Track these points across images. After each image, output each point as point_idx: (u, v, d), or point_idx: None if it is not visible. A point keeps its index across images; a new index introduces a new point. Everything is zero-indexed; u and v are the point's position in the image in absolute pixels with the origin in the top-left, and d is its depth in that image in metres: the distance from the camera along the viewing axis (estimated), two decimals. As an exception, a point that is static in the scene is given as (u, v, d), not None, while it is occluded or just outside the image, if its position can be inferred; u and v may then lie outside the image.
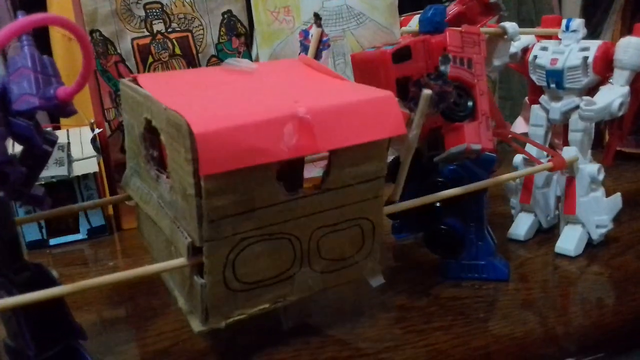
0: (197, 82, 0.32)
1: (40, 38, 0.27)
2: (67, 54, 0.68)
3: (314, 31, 0.37)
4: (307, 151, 0.27)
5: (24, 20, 0.21)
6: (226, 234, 0.26)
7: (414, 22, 0.46)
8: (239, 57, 0.54)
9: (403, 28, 0.48)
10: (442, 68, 0.33)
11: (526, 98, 0.46)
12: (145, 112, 0.29)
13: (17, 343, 0.28)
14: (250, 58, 0.55)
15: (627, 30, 0.40)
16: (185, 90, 0.30)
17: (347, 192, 0.29)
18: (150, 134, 0.30)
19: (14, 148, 0.28)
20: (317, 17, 0.38)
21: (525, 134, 0.44)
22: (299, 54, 0.38)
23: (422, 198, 0.34)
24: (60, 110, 0.27)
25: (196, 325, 0.28)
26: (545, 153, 0.42)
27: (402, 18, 0.51)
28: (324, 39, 0.38)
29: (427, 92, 0.30)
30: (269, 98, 0.29)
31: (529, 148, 0.42)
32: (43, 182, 0.46)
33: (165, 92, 0.29)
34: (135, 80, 0.31)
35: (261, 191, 0.26)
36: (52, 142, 0.28)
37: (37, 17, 0.21)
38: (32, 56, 0.26)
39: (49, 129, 0.30)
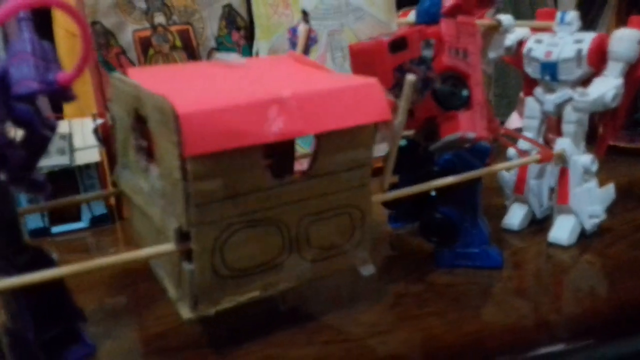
0: (185, 74, 0.33)
1: (44, 34, 0.28)
2: (70, 50, 0.68)
3: (301, 28, 0.38)
4: (292, 134, 0.27)
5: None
6: (213, 219, 0.27)
7: (412, 16, 0.47)
8: (239, 50, 0.55)
9: (400, 19, 0.48)
10: (424, 53, 0.33)
11: (521, 93, 0.46)
12: (133, 102, 0.30)
13: (17, 325, 0.29)
14: (250, 51, 0.55)
15: (622, 25, 0.41)
16: (174, 80, 0.31)
17: (334, 179, 0.29)
18: (139, 124, 0.31)
19: (16, 133, 0.29)
20: (304, 14, 0.39)
21: (520, 129, 0.45)
22: (288, 51, 0.39)
23: (413, 187, 0.34)
24: (60, 95, 0.27)
25: (185, 312, 0.28)
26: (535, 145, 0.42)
27: (401, 12, 0.52)
28: (312, 35, 0.39)
29: (410, 77, 0.30)
30: (255, 86, 0.30)
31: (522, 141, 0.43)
32: (45, 171, 0.47)
33: (153, 82, 0.29)
34: (125, 74, 0.32)
35: (248, 176, 0.27)
36: (52, 127, 0.29)
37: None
38: (32, 41, 0.26)
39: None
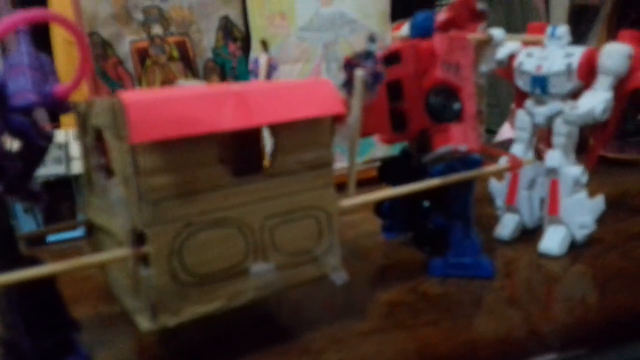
0: (145, 90, 0.34)
1: (42, 42, 0.28)
2: (68, 59, 0.69)
3: (262, 58, 0.39)
4: (243, 123, 0.27)
5: (21, 15, 0.22)
6: (169, 218, 0.26)
7: (405, 29, 0.48)
8: (234, 61, 0.55)
9: (394, 33, 0.49)
10: (369, 47, 0.32)
11: (513, 104, 0.47)
12: (92, 119, 0.30)
13: (11, 335, 0.29)
14: (246, 62, 0.56)
15: (612, 39, 0.41)
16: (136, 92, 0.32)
17: (295, 178, 0.29)
18: (98, 142, 0.31)
19: (12, 144, 0.29)
20: (264, 44, 0.40)
21: (511, 140, 0.45)
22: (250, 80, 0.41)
23: (383, 191, 0.34)
24: (57, 107, 0.27)
25: (144, 324, 0.27)
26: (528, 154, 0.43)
27: (395, 25, 0.52)
28: (272, 63, 0.40)
29: (359, 72, 0.30)
30: (209, 89, 0.30)
31: (516, 149, 0.44)
32: (41, 180, 0.47)
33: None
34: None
35: (203, 172, 0.26)
36: (49, 138, 0.29)
37: (34, 12, 0.22)
38: (29, 53, 0.27)
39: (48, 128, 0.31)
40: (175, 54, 0.53)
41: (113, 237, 0.30)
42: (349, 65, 0.31)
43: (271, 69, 0.39)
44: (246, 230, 0.28)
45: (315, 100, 0.29)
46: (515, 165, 0.40)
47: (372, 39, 0.32)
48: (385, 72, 0.32)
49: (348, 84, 0.31)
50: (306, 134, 0.29)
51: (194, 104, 0.25)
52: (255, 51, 0.38)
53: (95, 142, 0.31)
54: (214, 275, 0.28)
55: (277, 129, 0.29)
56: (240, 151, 0.33)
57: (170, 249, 0.26)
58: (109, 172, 0.30)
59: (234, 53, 0.55)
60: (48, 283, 0.29)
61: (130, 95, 0.25)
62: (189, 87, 0.34)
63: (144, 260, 0.26)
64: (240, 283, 0.29)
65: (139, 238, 0.26)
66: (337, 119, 0.31)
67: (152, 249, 0.26)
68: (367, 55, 0.32)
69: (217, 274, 0.28)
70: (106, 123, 0.27)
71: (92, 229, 0.35)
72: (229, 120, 0.26)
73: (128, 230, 0.26)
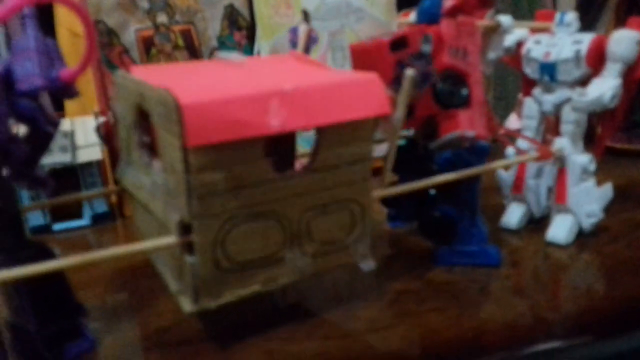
0: (188, 72, 0.34)
1: (46, 34, 0.28)
2: (73, 50, 0.69)
3: (302, 28, 0.38)
4: (294, 126, 0.27)
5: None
6: (215, 211, 0.27)
7: (413, 17, 0.47)
8: (240, 49, 0.55)
9: (403, 20, 0.49)
10: (423, 48, 0.33)
11: (519, 95, 0.47)
12: (136, 98, 0.30)
13: (19, 318, 0.29)
14: (251, 51, 0.56)
15: (622, 27, 0.41)
16: (176, 77, 0.31)
17: (335, 173, 0.30)
18: (142, 120, 0.31)
19: (18, 129, 0.29)
20: (305, 14, 0.39)
21: (519, 130, 0.45)
22: (289, 50, 0.40)
23: (413, 183, 0.34)
24: (63, 91, 0.27)
25: (187, 306, 0.28)
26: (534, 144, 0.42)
27: (402, 13, 0.52)
28: (312, 35, 0.39)
29: (410, 72, 0.30)
30: (256, 81, 0.30)
31: (520, 140, 0.43)
32: (47, 169, 0.47)
33: (157, 79, 0.30)
34: (129, 72, 0.33)
35: (249, 169, 0.27)
36: (56, 124, 0.29)
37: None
38: (36, 38, 0.27)
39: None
40: (181, 42, 0.52)
41: (153, 217, 0.31)
42: (400, 64, 0.31)
43: (311, 40, 0.38)
44: (285, 222, 0.29)
45: (362, 100, 0.29)
46: (545, 155, 0.39)
47: (426, 39, 0.32)
48: (436, 73, 0.32)
49: (397, 82, 0.31)
50: (349, 131, 0.29)
51: (244, 107, 0.26)
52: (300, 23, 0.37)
53: (137, 119, 0.31)
54: (253, 262, 0.29)
55: (322, 127, 0.29)
56: (277, 147, 0.33)
57: (215, 239, 0.27)
58: (152, 150, 0.31)
59: (239, 42, 0.55)
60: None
61: (185, 95, 0.25)
62: (229, 61, 0.34)
63: (189, 247, 0.27)
64: (276, 269, 0.30)
65: (185, 228, 0.27)
66: (383, 116, 0.31)
67: (197, 239, 0.27)
68: (421, 55, 0.32)
69: (256, 261, 0.29)
70: (156, 111, 0.27)
71: (120, 197, 0.35)
72: (277, 124, 0.26)
73: (176, 221, 0.27)
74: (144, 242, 0.28)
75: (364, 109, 0.29)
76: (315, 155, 0.29)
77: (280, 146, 0.34)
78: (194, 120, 0.25)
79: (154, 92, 0.27)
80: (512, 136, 0.43)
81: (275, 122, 0.26)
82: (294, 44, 0.39)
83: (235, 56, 0.35)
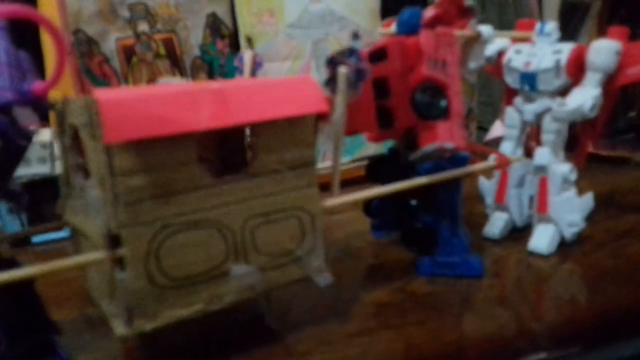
0: (123, 87, 0.33)
1: (31, 40, 0.28)
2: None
3: (247, 54, 0.39)
4: (222, 122, 0.26)
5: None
6: (145, 219, 0.25)
7: (394, 27, 0.47)
8: (223, 58, 0.55)
9: (384, 30, 0.49)
10: (352, 44, 0.32)
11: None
12: (68, 118, 0.29)
13: (-10, 338, 0.28)
14: (233, 59, 0.55)
15: (603, 36, 0.41)
16: (115, 90, 0.31)
17: (276, 178, 0.29)
18: (76, 141, 0.30)
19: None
20: (249, 41, 0.40)
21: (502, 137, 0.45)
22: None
23: (367, 190, 0.34)
24: (35, 105, 0.27)
25: (119, 329, 0.26)
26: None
27: (385, 22, 0.52)
28: (257, 60, 0.39)
29: (342, 70, 0.30)
30: (189, 87, 0.30)
31: (506, 147, 0.43)
32: (25, 180, 0.46)
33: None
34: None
35: (181, 172, 0.26)
36: (29, 137, 0.29)
37: (5, 8, 0.22)
38: (7, 51, 0.26)
39: (32, 127, 0.30)
40: (162, 51, 0.52)
41: (89, 240, 0.29)
42: (332, 62, 0.31)
43: (256, 65, 0.39)
44: (226, 232, 0.28)
45: (298, 99, 0.28)
46: (503, 163, 0.39)
47: (355, 36, 0.32)
48: (369, 69, 0.31)
49: (331, 82, 0.30)
50: (288, 133, 0.28)
51: (170, 102, 0.25)
52: (244, 48, 0.38)
53: (72, 142, 0.30)
54: (193, 277, 0.27)
55: (257, 127, 0.28)
56: (224, 151, 0.33)
57: (147, 251, 0.25)
58: (86, 172, 0.30)
59: (222, 50, 0.55)
60: (26, 285, 0.28)
61: (105, 94, 0.24)
62: (169, 84, 0.33)
63: (120, 263, 0.26)
64: (221, 285, 0.28)
65: (114, 240, 0.25)
66: (322, 117, 0.30)
67: (127, 251, 0.25)
68: (351, 52, 0.31)
69: (196, 276, 0.27)
70: (81, 122, 0.27)
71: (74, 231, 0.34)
72: (207, 119, 0.25)
73: (103, 232, 0.25)
74: (71, 258, 0.26)
75: (300, 106, 0.28)
76: (254, 158, 0.28)
77: (227, 149, 0.33)
78: (112, 115, 0.23)
79: (77, 102, 0.27)
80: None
81: (203, 117, 0.25)
82: (240, 71, 0.39)
83: (178, 81, 0.35)
